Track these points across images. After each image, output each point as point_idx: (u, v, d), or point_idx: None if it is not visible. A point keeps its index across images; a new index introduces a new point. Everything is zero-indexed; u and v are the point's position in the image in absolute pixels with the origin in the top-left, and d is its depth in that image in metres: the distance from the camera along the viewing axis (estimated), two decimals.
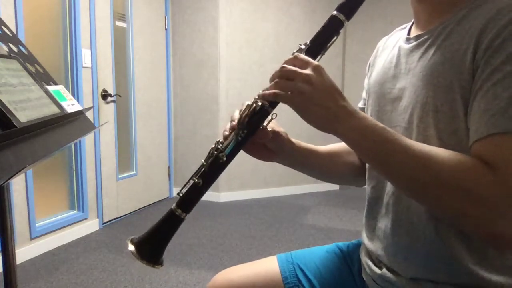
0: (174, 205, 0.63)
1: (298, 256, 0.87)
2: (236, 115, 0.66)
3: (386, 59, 0.76)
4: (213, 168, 0.63)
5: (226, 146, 0.63)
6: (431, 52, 0.62)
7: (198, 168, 0.64)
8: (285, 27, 3.76)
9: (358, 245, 0.86)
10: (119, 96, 3.07)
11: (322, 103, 0.56)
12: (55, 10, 2.52)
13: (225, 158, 0.63)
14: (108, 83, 2.94)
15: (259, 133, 0.66)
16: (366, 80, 0.85)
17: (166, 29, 3.62)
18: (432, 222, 0.62)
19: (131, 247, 0.63)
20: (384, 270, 0.70)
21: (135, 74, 3.26)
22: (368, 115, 0.77)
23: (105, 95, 2.90)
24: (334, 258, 0.85)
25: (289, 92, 0.57)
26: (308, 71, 0.57)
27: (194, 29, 3.63)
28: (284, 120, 0.63)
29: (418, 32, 0.68)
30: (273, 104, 0.62)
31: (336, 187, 4.12)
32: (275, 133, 0.72)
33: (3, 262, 0.98)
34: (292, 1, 3.77)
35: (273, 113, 0.64)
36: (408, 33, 0.73)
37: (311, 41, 0.63)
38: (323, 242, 2.63)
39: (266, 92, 0.60)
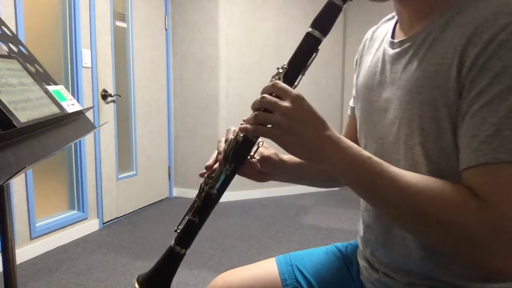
0: (173, 242, 0.65)
1: (297, 258, 0.86)
2: (222, 146, 0.66)
3: (372, 59, 0.73)
4: (206, 203, 0.64)
5: (216, 180, 0.64)
6: (415, 63, 0.60)
7: (192, 204, 0.65)
8: (285, 27, 3.76)
9: (357, 245, 0.86)
10: (119, 96, 3.07)
11: (303, 135, 0.54)
12: (55, 10, 2.52)
13: (216, 192, 0.64)
14: (108, 83, 2.94)
15: (247, 164, 0.66)
16: (354, 78, 0.82)
17: (166, 29, 3.62)
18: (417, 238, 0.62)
19: (137, 287, 0.65)
20: (381, 274, 0.70)
21: (135, 74, 3.26)
22: (358, 118, 0.77)
23: (105, 95, 2.90)
24: (333, 259, 0.85)
25: (270, 126, 0.56)
26: (286, 103, 0.55)
27: (194, 29, 3.63)
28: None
29: (402, 36, 0.66)
30: None
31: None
32: (264, 159, 0.73)
33: (3, 262, 0.98)
34: (292, 1, 3.77)
35: (260, 141, 0.64)
36: (393, 34, 0.70)
37: (289, 63, 0.60)
38: (323, 242, 2.63)
39: (249, 127, 0.58)
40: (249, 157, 0.66)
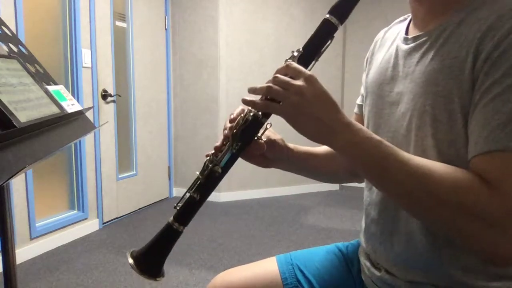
0: (171, 218, 0.64)
1: (298, 257, 0.86)
2: (229, 124, 0.66)
3: (384, 57, 0.74)
4: (208, 181, 0.63)
5: (221, 158, 0.63)
6: (429, 56, 0.60)
7: (194, 181, 0.64)
8: (285, 27, 3.76)
9: (358, 245, 0.86)
10: (119, 96, 3.07)
11: (314, 115, 0.54)
12: (55, 10, 2.52)
13: (220, 171, 0.63)
14: (108, 83, 2.94)
15: (254, 145, 0.66)
16: (363, 76, 0.83)
17: (166, 29, 3.62)
18: (424, 231, 0.62)
19: (131, 261, 0.63)
20: (383, 272, 0.70)
21: (135, 74, 3.26)
22: (366, 115, 0.76)
23: (105, 95, 2.90)
24: (334, 258, 0.85)
25: (281, 103, 0.56)
26: (300, 82, 0.55)
27: (194, 29, 3.63)
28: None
29: (416, 32, 0.66)
30: (267, 114, 0.61)
31: (336, 187, 4.12)
32: (271, 143, 0.72)
33: (3, 262, 0.97)
34: (292, 1, 3.77)
35: (268, 123, 0.63)
36: (406, 32, 0.71)
37: (304, 47, 0.61)
38: (323, 242, 2.63)
39: (258, 102, 0.58)
40: (256, 138, 0.66)
